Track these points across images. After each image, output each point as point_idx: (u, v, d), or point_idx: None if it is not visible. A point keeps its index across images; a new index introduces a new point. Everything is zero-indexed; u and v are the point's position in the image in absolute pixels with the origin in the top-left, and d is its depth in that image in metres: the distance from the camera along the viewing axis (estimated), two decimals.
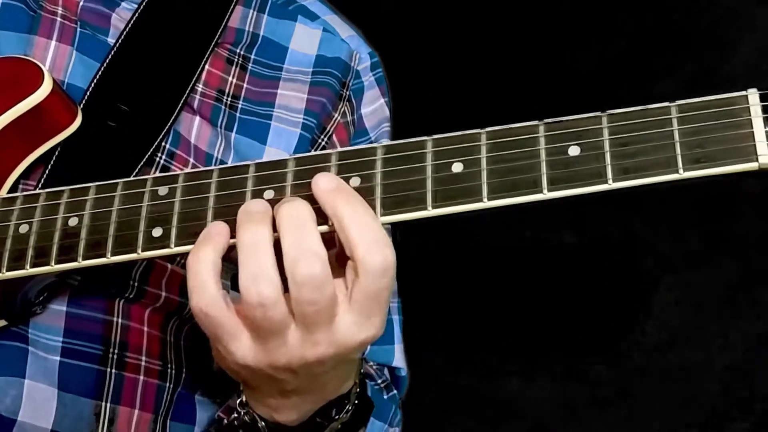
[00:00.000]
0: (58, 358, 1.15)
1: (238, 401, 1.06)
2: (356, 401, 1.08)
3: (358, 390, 1.08)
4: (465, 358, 2.79)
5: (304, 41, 1.35)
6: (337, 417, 1.06)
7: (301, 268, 0.89)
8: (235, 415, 1.07)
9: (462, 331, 2.79)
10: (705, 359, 2.65)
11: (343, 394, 1.06)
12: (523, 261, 2.80)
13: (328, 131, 1.33)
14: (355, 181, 0.95)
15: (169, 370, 1.21)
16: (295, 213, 0.92)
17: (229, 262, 0.95)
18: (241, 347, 0.94)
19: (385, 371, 1.35)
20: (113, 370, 1.17)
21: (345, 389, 1.06)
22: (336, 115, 1.34)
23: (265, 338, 0.92)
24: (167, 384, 1.21)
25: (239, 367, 0.96)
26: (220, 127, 1.27)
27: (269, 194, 0.97)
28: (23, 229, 1.04)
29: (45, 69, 1.13)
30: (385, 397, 1.32)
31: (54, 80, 1.13)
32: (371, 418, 1.15)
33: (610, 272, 2.77)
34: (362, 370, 1.10)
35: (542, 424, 2.69)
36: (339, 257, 0.95)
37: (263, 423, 1.05)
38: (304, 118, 1.31)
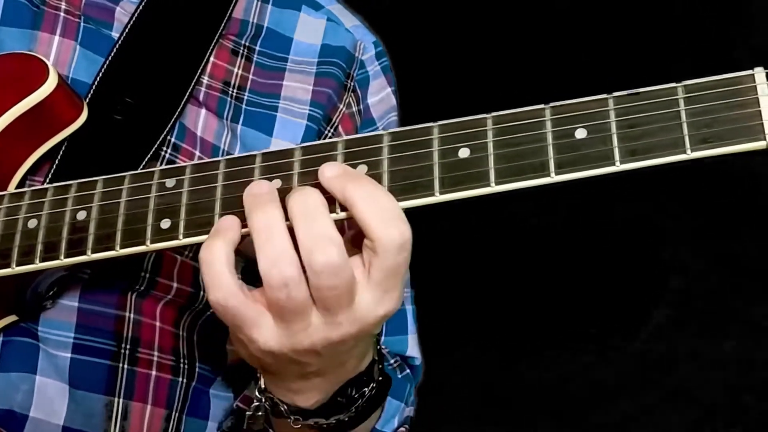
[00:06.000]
0: (69, 355, 1.15)
1: (256, 389, 1.06)
2: (380, 377, 1.07)
3: (380, 366, 1.08)
4: (479, 344, 2.79)
5: (308, 31, 1.35)
6: (356, 395, 1.06)
7: (318, 255, 0.89)
8: (255, 402, 1.06)
9: (475, 318, 2.80)
10: (720, 349, 2.65)
11: (361, 372, 1.05)
12: (529, 248, 2.80)
13: (334, 122, 1.33)
14: (362, 168, 0.95)
15: (181, 366, 1.21)
16: (306, 201, 0.92)
17: (239, 255, 0.95)
18: (264, 333, 0.93)
19: None
20: (125, 366, 1.17)
21: (363, 366, 1.06)
22: (341, 106, 1.34)
23: (288, 321, 0.92)
24: (180, 379, 1.21)
25: (262, 354, 0.95)
26: (226, 119, 1.27)
27: (277, 183, 0.96)
28: (32, 224, 1.04)
29: (50, 64, 1.12)
30: (399, 376, 1.31)
31: (59, 75, 1.13)
32: (388, 397, 1.14)
33: (625, 258, 2.77)
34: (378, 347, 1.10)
35: (556, 410, 2.69)
36: (354, 239, 0.95)
37: (285, 406, 1.05)
38: (310, 110, 1.31)
